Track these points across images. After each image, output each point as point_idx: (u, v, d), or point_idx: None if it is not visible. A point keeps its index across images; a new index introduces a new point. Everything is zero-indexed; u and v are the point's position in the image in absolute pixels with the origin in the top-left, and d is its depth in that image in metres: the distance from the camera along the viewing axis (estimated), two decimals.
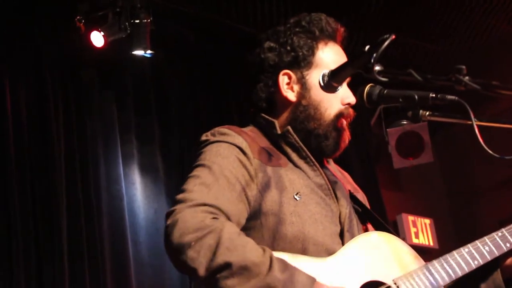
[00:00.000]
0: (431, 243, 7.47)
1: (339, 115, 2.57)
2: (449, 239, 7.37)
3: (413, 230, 7.41)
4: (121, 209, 5.37)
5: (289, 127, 2.53)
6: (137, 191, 5.63)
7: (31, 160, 5.06)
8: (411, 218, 7.47)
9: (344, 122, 2.58)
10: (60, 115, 5.30)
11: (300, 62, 2.58)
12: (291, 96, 2.58)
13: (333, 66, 2.50)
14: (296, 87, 2.58)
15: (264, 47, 2.63)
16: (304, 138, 2.54)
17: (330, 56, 2.60)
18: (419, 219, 7.52)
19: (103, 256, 5.12)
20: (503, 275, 2.61)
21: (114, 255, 5.21)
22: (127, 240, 5.29)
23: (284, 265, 2.11)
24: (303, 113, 2.56)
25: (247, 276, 2.05)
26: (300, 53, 2.58)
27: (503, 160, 2.10)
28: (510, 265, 2.62)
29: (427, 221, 7.58)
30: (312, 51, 2.59)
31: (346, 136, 2.60)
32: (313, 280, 2.11)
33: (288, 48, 2.59)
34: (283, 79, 2.59)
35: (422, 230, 7.50)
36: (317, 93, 2.53)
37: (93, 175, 5.32)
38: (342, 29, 2.67)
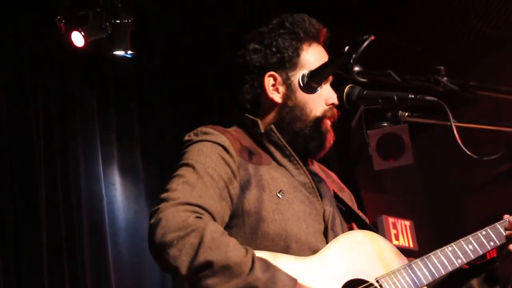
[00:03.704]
0: (411, 245, 7.48)
1: (324, 116, 2.59)
2: (429, 241, 7.38)
3: (393, 232, 7.41)
4: (101, 209, 5.35)
5: (272, 126, 2.54)
6: (117, 191, 5.61)
7: (11, 159, 5.03)
8: (391, 220, 7.48)
9: (329, 123, 2.61)
10: (41, 114, 5.27)
11: (286, 64, 2.59)
12: (277, 97, 2.59)
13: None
14: (281, 89, 2.59)
15: (249, 48, 2.63)
16: (291, 139, 2.55)
17: (314, 57, 2.61)
18: (399, 221, 7.53)
19: (83, 257, 5.09)
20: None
21: (94, 256, 5.19)
22: (106, 241, 5.27)
23: (266, 265, 2.11)
24: (289, 114, 2.57)
25: (229, 276, 2.05)
26: (286, 55, 2.59)
27: (482, 162, 2.10)
28: (502, 268, 2.59)
29: (407, 223, 7.59)
30: (297, 52, 2.60)
31: (331, 137, 2.62)
32: (294, 281, 2.11)
33: (274, 49, 2.60)
34: (268, 81, 2.60)
35: (402, 232, 7.51)
36: (302, 94, 2.52)
37: (73, 175, 5.30)
38: (324, 30, 2.69)
